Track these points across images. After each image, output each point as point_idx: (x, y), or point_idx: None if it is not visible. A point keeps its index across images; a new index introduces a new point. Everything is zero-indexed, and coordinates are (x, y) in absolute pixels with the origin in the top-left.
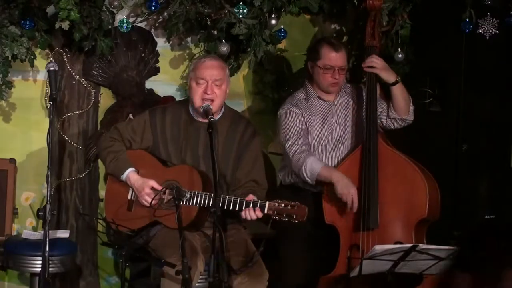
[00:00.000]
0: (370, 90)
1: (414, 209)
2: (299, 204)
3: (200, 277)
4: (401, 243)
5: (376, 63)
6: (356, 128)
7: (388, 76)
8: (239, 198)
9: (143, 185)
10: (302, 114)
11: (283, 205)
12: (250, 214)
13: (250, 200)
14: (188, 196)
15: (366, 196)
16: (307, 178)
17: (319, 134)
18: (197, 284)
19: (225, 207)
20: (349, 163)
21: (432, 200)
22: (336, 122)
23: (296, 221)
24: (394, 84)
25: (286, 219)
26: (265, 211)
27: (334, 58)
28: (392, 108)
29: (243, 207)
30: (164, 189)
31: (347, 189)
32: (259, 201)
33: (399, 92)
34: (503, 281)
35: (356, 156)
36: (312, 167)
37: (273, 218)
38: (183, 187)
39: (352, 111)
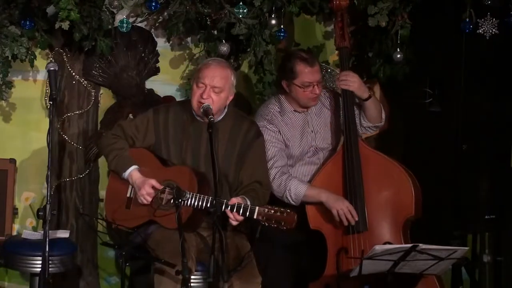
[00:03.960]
0: (346, 94)
1: (401, 208)
2: (288, 210)
3: (193, 277)
4: (390, 243)
5: (351, 82)
6: (332, 134)
7: (362, 93)
8: (227, 202)
9: (144, 183)
10: (279, 132)
11: (272, 211)
12: (235, 216)
13: (241, 204)
14: (188, 196)
15: (353, 199)
16: (291, 201)
17: (299, 146)
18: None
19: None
20: (331, 166)
21: (417, 198)
22: (312, 131)
23: (285, 228)
24: (367, 99)
25: (275, 226)
26: (255, 216)
27: (311, 74)
28: (365, 118)
29: (230, 210)
30: (164, 188)
31: (340, 204)
32: (249, 206)
33: (372, 105)
34: None
35: (338, 159)
36: (297, 190)
37: (262, 224)
38: (180, 187)
39: (326, 117)
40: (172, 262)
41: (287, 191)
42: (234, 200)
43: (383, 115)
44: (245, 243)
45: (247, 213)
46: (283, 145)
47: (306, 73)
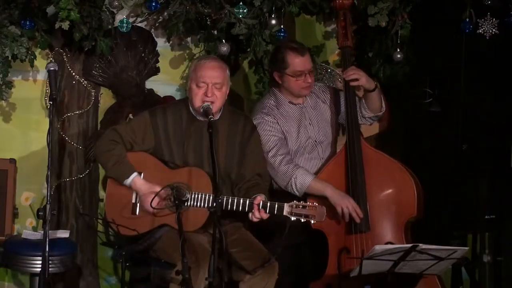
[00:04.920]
0: (348, 93)
1: (404, 208)
2: (317, 204)
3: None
4: (392, 243)
5: (359, 76)
6: (329, 127)
7: (369, 84)
8: (252, 201)
9: (149, 191)
10: (277, 122)
11: (301, 206)
12: (261, 215)
13: (267, 202)
14: (188, 196)
15: (355, 199)
16: (295, 191)
17: (297, 139)
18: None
19: (240, 209)
20: (333, 166)
21: (419, 199)
22: (310, 124)
23: (314, 221)
24: (374, 90)
25: (304, 220)
26: (284, 213)
27: (302, 62)
28: (367, 108)
29: (257, 209)
30: (163, 190)
31: (346, 201)
32: (276, 203)
33: (377, 95)
34: None
35: (340, 159)
36: (303, 179)
37: (291, 220)
38: (192, 189)
39: (322, 111)
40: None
41: (292, 179)
42: (259, 199)
43: (383, 104)
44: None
45: (275, 211)
46: (283, 135)
47: (297, 62)
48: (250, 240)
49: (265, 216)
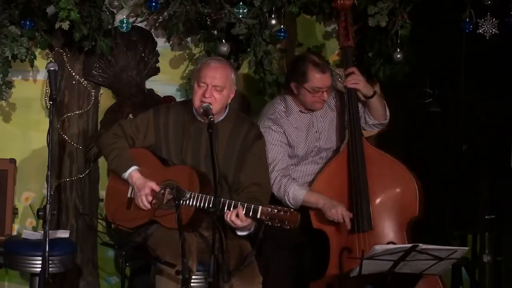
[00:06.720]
0: (350, 93)
1: (405, 208)
2: (291, 210)
3: (194, 277)
4: (393, 243)
5: (358, 80)
6: (336, 135)
7: (367, 90)
8: (233, 201)
9: (143, 185)
10: (284, 132)
11: (275, 210)
12: (231, 218)
13: (244, 203)
14: (188, 196)
15: (358, 198)
16: (290, 205)
17: (304, 146)
18: (191, 285)
19: (225, 209)
20: (335, 165)
21: (421, 199)
22: (317, 132)
23: (288, 227)
24: (372, 96)
25: (278, 225)
26: (258, 216)
27: (322, 79)
28: (370, 115)
29: (231, 209)
30: (162, 191)
31: (335, 209)
32: (252, 205)
33: (377, 102)
34: None
35: (342, 159)
36: (295, 195)
37: (265, 223)
38: (181, 187)
39: (331, 119)
40: (173, 262)
41: (285, 195)
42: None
43: (388, 112)
44: (246, 242)
45: (250, 213)
46: (287, 147)
47: (318, 79)
48: (238, 245)
49: (244, 220)
